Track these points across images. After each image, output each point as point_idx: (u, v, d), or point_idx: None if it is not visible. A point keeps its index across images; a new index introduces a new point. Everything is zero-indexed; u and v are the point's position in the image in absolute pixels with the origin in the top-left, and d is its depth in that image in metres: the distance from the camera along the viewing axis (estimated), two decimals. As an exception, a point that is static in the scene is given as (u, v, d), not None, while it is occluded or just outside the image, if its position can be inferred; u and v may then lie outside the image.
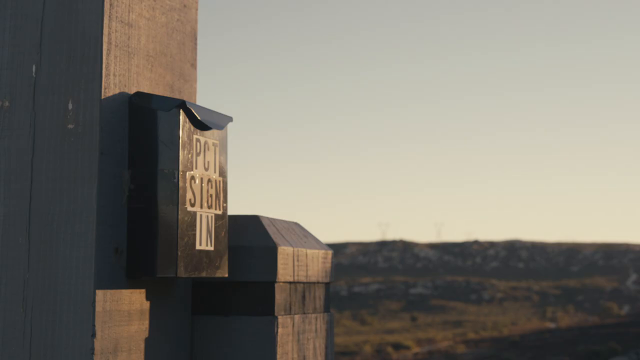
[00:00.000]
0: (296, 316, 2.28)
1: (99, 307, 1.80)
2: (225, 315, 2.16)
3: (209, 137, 2.00)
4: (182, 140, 1.90)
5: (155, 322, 1.98)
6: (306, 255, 2.35)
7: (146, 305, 1.96)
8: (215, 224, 2.01)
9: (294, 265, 2.27)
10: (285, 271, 2.22)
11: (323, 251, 2.48)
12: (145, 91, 1.97)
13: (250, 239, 2.21)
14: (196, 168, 1.94)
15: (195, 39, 2.19)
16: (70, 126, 1.85)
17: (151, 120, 1.91)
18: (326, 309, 2.51)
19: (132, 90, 1.93)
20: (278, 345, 2.16)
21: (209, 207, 1.99)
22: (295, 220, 2.51)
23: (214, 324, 2.16)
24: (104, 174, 1.84)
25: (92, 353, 1.79)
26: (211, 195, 2.00)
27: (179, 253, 1.87)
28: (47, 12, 1.89)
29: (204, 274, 1.97)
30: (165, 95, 2.04)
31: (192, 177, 1.93)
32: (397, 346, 21.79)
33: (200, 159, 1.96)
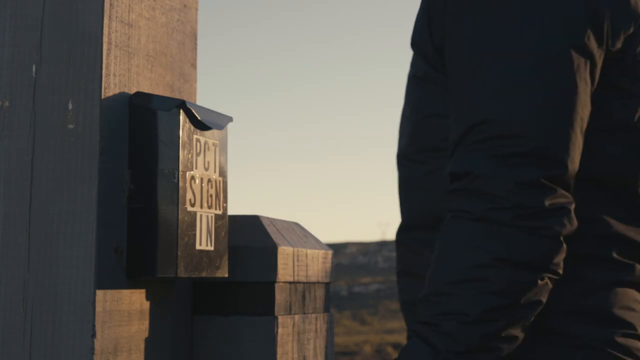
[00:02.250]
0: (296, 316, 2.27)
1: (99, 307, 1.80)
2: (225, 315, 2.16)
3: (209, 137, 2.00)
4: (182, 140, 1.90)
5: (155, 322, 1.98)
6: (306, 255, 2.35)
7: (146, 305, 1.95)
8: (215, 224, 2.01)
9: (294, 265, 2.27)
10: (285, 271, 2.22)
11: (323, 251, 2.48)
12: (145, 91, 1.97)
13: (250, 239, 2.21)
14: (196, 168, 1.94)
15: (195, 39, 2.19)
16: (70, 126, 1.84)
17: (151, 120, 1.91)
18: (326, 309, 2.51)
19: (132, 90, 1.93)
20: (278, 345, 2.16)
21: (209, 207, 1.99)
22: (295, 220, 2.51)
23: (214, 324, 2.16)
24: (104, 174, 1.84)
25: (92, 353, 1.79)
26: (211, 195, 2.00)
27: (179, 253, 1.87)
28: (47, 12, 1.89)
29: (204, 274, 1.97)
30: (166, 95, 2.04)
31: (192, 177, 1.93)
32: (397, 346, 21.79)
33: (200, 159, 1.96)
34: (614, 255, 1.44)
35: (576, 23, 1.37)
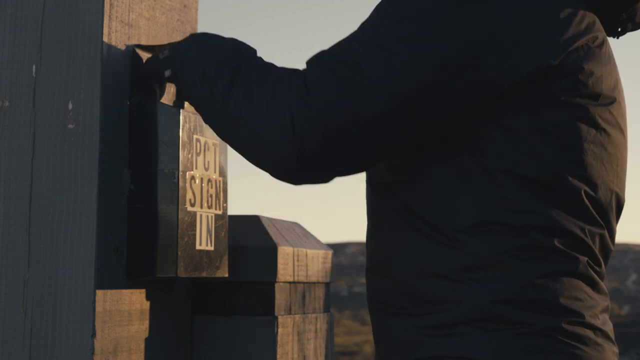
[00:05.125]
0: (296, 316, 2.28)
1: (99, 307, 1.80)
2: (225, 315, 2.16)
3: (209, 137, 2.00)
4: (182, 140, 1.89)
5: (155, 322, 1.98)
6: (306, 255, 2.35)
7: (146, 305, 1.95)
8: (215, 224, 2.01)
9: (294, 265, 2.27)
10: (285, 271, 2.22)
11: (323, 251, 2.49)
12: (145, 91, 1.97)
13: (250, 239, 2.21)
14: (196, 168, 1.94)
15: (195, 39, 2.19)
16: (71, 126, 1.84)
17: (151, 120, 1.91)
18: (326, 309, 2.51)
19: (132, 90, 1.93)
20: (278, 345, 2.16)
21: (209, 207, 1.99)
22: (295, 220, 2.51)
23: (214, 324, 2.16)
24: (104, 174, 1.84)
25: (92, 353, 1.79)
26: (211, 195, 2.00)
27: (179, 253, 1.87)
28: (47, 12, 1.89)
29: (204, 274, 1.97)
30: (165, 95, 2.04)
31: (192, 177, 1.93)
32: (397, 346, 21.75)
33: (200, 159, 1.96)
34: (558, 246, 1.51)
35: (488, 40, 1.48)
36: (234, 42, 1.70)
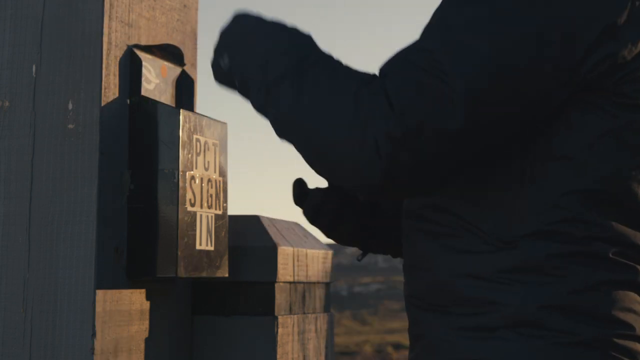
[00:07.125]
0: (296, 316, 2.27)
1: (99, 307, 1.80)
2: (225, 315, 2.16)
3: (209, 137, 2.00)
4: (182, 140, 1.89)
5: (156, 322, 1.98)
6: (306, 255, 2.35)
7: (146, 305, 1.95)
8: (215, 224, 2.01)
9: (294, 265, 2.27)
10: (285, 271, 2.22)
11: (323, 251, 2.48)
12: (145, 91, 1.97)
13: (250, 239, 2.21)
14: (196, 168, 1.94)
15: (195, 39, 2.19)
16: (71, 126, 1.84)
17: (151, 121, 1.91)
18: (326, 309, 2.51)
19: (132, 90, 1.93)
20: (278, 345, 2.16)
21: (209, 207, 1.99)
22: (295, 220, 2.51)
23: (214, 324, 2.16)
24: (104, 174, 1.84)
25: (92, 353, 1.79)
26: (211, 195, 2.00)
27: (179, 253, 1.87)
28: (47, 12, 1.89)
29: (204, 274, 1.97)
30: (165, 95, 2.04)
31: (192, 177, 1.93)
32: (398, 346, 21.77)
33: (200, 159, 1.96)
34: (612, 255, 1.44)
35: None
36: (283, 32, 1.50)
